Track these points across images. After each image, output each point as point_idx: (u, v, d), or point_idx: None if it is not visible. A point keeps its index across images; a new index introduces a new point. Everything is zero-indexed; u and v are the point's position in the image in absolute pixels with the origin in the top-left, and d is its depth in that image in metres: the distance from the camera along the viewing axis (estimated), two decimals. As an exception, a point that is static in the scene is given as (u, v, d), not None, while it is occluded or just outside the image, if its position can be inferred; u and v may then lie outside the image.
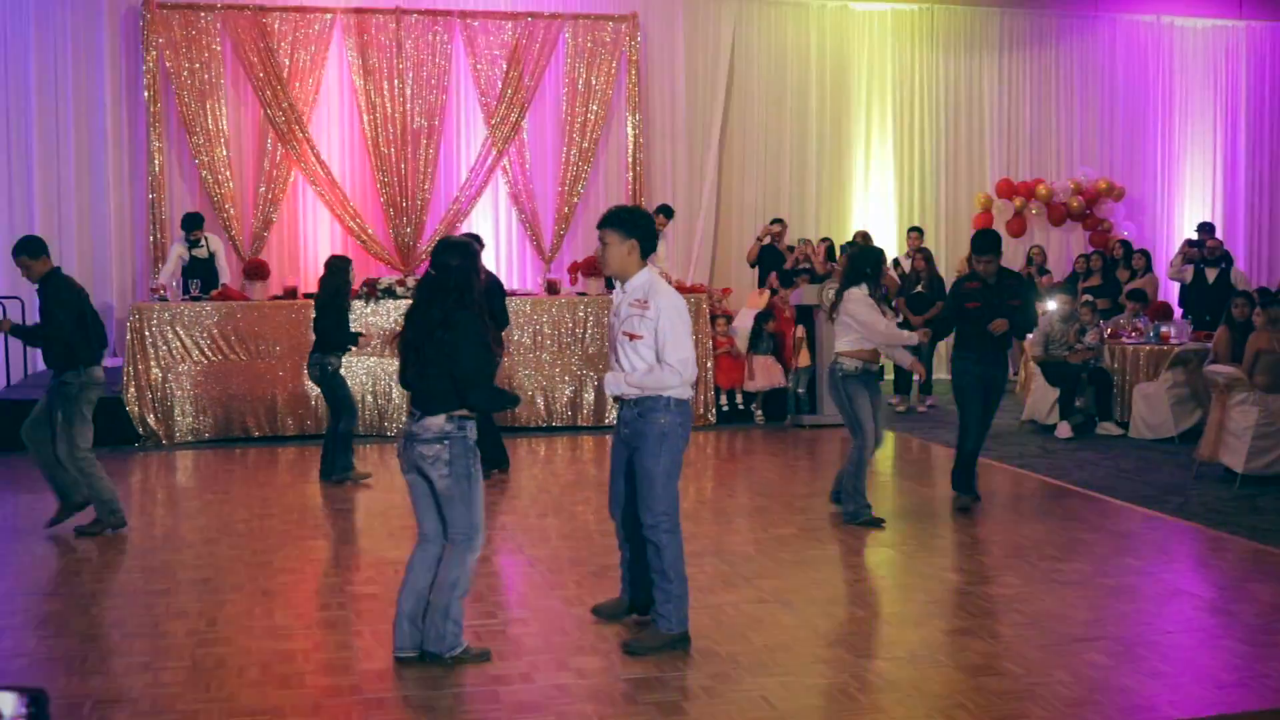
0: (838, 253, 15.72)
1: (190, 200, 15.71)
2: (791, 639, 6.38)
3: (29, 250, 8.61)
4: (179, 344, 12.73)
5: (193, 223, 14.08)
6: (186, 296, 13.08)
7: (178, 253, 14.09)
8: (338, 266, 10.75)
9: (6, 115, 15.39)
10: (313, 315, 10.85)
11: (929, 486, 10.31)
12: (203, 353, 12.78)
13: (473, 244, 6.15)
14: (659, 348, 6.04)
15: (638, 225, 6.17)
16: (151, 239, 15.39)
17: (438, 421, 5.83)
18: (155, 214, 15.40)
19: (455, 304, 5.82)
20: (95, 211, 15.61)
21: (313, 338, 10.76)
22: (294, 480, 10.94)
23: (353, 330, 10.99)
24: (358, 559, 8.18)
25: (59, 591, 7.39)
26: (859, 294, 8.95)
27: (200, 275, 13.60)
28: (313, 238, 16.19)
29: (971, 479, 9.54)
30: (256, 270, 13.42)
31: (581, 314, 13.51)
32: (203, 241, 14.18)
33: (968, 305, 9.21)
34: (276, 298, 13.40)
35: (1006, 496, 10.13)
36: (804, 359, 13.93)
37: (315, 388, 12.13)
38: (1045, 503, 9.82)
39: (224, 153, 15.62)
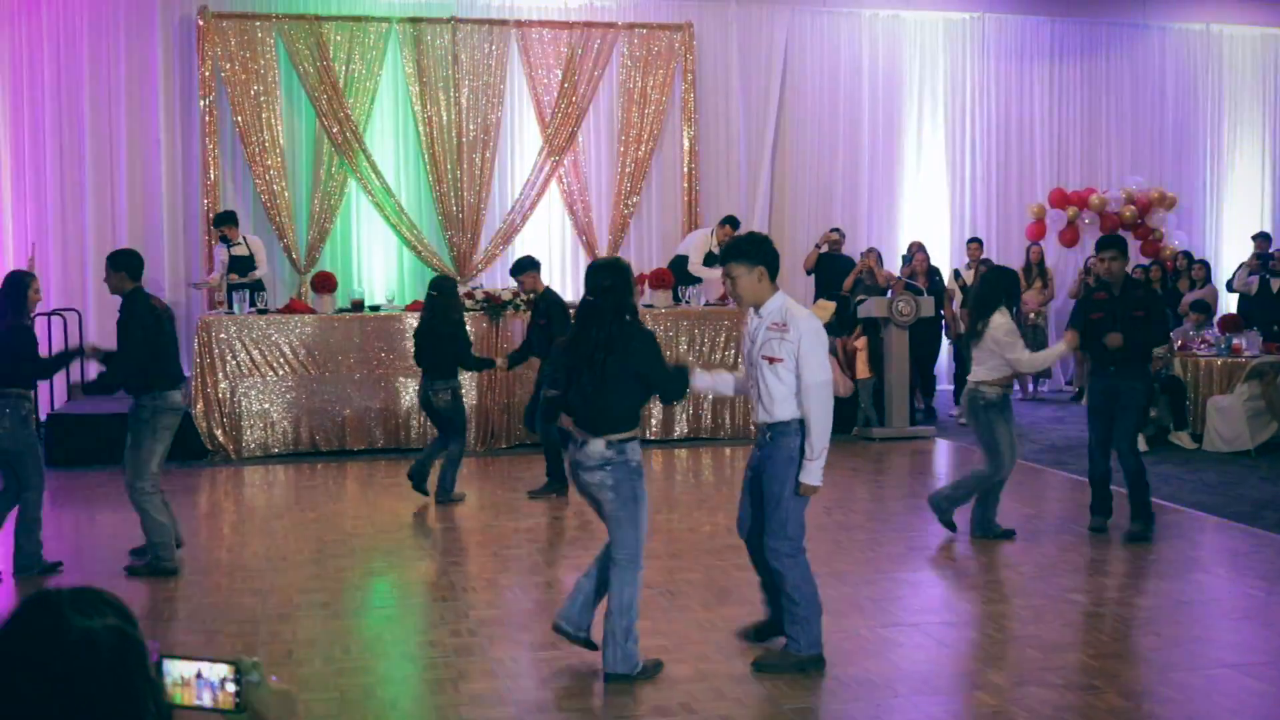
0: (900, 263, 15.67)
1: (245, 211, 15.62)
2: (938, 664, 6.30)
3: (110, 262, 8.42)
4: (247, 358, 12.64)
5: (224, 220, 13.98)
6: (252, 309, 12.99)
7: (221, 258, 13.93)
8: (451, 288, 10.63)
9: (60, 125, 15.30)
10: (413, 338, 10.68)
11: (1028, 505, 10.19)
12: (271, 367, 12.68)
13: (622, 260, 6.14)
14: (799, 370, 5.97)
15: (760, 251, 6.10)
16: (206, 249, 15.29)
17: (598, 448, 5.82)
18: (210, 224, 15.29)
19: (613, 324, 5.82)
20: (149, 221, 15.52)
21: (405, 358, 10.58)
22: (381, 497, 10.84)
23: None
24: (470, 580, 8.06)
25: (178, 616, 7.27)
26: (1005, 322, 8.81)
27: (238, 271, 13.66)
28: (367, 248, 16.10)
29: (1102, 501, 9.30)
30: (324, 283, 13.30)
31: (650, 324, 13.39)
32: (241, 240, 14.07)
33: (1092, 316, 9.05)
34: (343, 310, 13.30)
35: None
36: (864, 371, 13.83)
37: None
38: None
39: (279, 162, 15.52)
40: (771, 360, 5.99)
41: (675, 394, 6.22)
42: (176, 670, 2.39)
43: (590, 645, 6.15)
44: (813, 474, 6.01)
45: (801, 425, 6.02)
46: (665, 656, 6.29)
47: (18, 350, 8.22)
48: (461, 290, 12.70)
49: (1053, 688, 5.89)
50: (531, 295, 10.97)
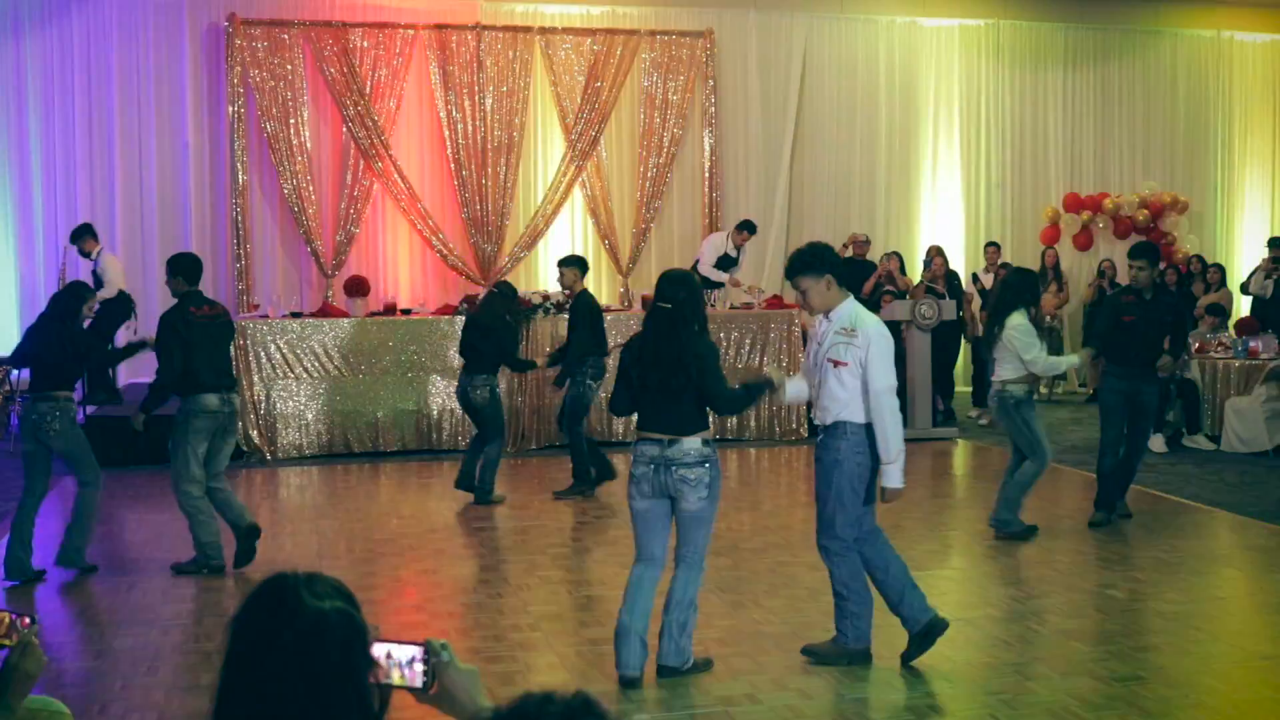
0: (920, 268, 15.87)
1: (272, 214, 15.85)
2: (988, 655, 6.51)
3: (167, 266, 8.59)
4: (282, 360, 12.84)
5: (80, 234, 13.75)
6: (285, 313, 13.20)
7: (81, 272, 13.53)
8: (513, 291, 10.97)
9: (90, 130, 15.52)
10: (462, 331, 10.92)
11: (1053, 504, 10.40)
12: (305, 369, 12.89)
13: (693, 275, 6.40)
14: (865, 375, 6.15)
15: (824, 260, 6.28)
16: (235, 253, 15.50)
17: (694, 444, 5.99)
18: (238, 229, 15.51)
19: (691, 334, 6.04)
20: (178, 226, 15.73)
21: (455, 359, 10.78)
22: (417, 497, 11.05)
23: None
24: (521, 577, 8.25)
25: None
26: (1022, 323, 9.01)
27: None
28: (393, 252, 16.31)
29: (1109, 496, 9.55)
30: (356, 287, 13.52)
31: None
32: (97, 256, 13.74)
33: (1124, 319, 9.26)
34: (376, 314, 13.51)
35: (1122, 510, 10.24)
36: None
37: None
38: (1167, 517, 9.90)
39: (306, 167, 15.73)
40: (836, 364, 6.17)
41: (730, 410, 6.46)
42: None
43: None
44: (893, 477, 6.22)
45: (855, 429, 6.21)
46: (724, 650, 6.51)
47: (79, 348, 8.47)
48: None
49: (1101, 679, 6.10)
50: (569, 292, 11.14)
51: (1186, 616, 7.25)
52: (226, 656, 2.30)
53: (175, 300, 8.53)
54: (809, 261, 6.26)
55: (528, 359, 11.65)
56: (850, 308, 6.29)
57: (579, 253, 16.40)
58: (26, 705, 3.44)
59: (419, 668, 2.57)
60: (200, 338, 8.35)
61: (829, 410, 6.24)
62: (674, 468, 5.98)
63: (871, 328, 6.22)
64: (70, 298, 8.56)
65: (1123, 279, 17.34)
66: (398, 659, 2.56)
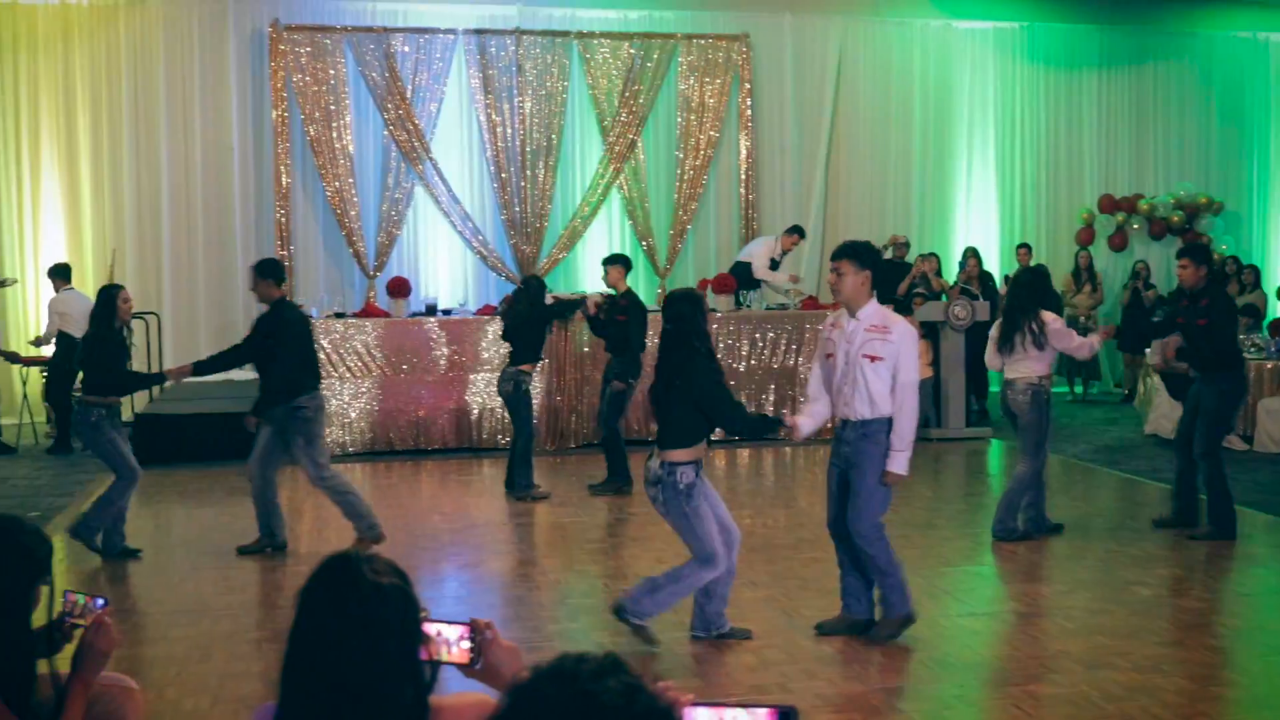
0: (955, 269, 16.01)
1: (314, 217, 16.13)
2: (1015, 648, 6.69)
3: (258, 270, 8.92)
4: (325, 359, 13.07)
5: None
6: (329, 314, 13.48)
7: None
8: (538, 284, 11.24)
9: (137, 134, 15.84)
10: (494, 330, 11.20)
11: (1084, 503, 10.54)
12: (348, 368, 13.14)
13: (697, 292, 6.86)
14: (895, 369, 6.46)
15: (871, 257, 6.58)
16: (279, 255, 15.76)
17: (653, 465, 6.49)
18: (282, 232, 15.79)
19: (686, 355, 6.49)
20: (223, 229, 16.03)
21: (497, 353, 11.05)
22: (461, 494, 11.28)
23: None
24: (560, 573, 8.48)
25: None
26: (1056, 317, 9.21)
27: None
28: (433, 253, 16.55)
29: (1176, 499, 9.58)
30: (398, 288, 13.78)
31: (714, 328, 13.79)
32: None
33: (1178, 320, 9.38)
34: (417, 314, 13.77)
35: (1159, 510, 10.35)
36: (924, 372, 14.18)
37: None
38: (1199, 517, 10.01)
39: (348, 170, 15.99)
40: (873, 358, 6.48)
41: (738, 431, 7.05)
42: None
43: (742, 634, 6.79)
44: (900, 463, 6.57)
45: (890, 423, 6.53)
46: (757, 642, 6.72)
47: (99, 359, 8.75)
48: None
49: (1123, 671, 6.25)
50: (613, 290, 11.34)
51: (1211, 613, 7.42)
52: (293, 627, 2.52)
53: (270, 304, 8.85)
54: (860, 251, 6.63)
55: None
56: (875, 307, 6.61)
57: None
58: (100, 681, 3.68)
59: (465, 645, 2.77)
60: (311, 335, 8.94)
61: (872, 406, 6.55)
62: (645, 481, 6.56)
63: (902, 324, 6.61)
64: (101, 303, 8.88)
65: (1157, 280, 17.50)
66: (446, 637, 2.77)
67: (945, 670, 6.33)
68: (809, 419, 6.81)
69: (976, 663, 6.48)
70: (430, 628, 2.73)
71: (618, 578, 8.30)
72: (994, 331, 9.32)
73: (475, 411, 13.36)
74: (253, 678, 6.29)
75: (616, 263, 11.22)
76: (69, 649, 3.68)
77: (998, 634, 6.96)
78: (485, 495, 11.06)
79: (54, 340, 13.58)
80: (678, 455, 6.42)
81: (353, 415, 13.17)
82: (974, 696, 5.97)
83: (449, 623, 2.79)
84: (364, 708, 2.43)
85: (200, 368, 9.12)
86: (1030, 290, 9.30)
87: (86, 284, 15.54)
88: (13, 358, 14.28)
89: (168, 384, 9.05)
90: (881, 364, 6.47)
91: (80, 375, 8.88)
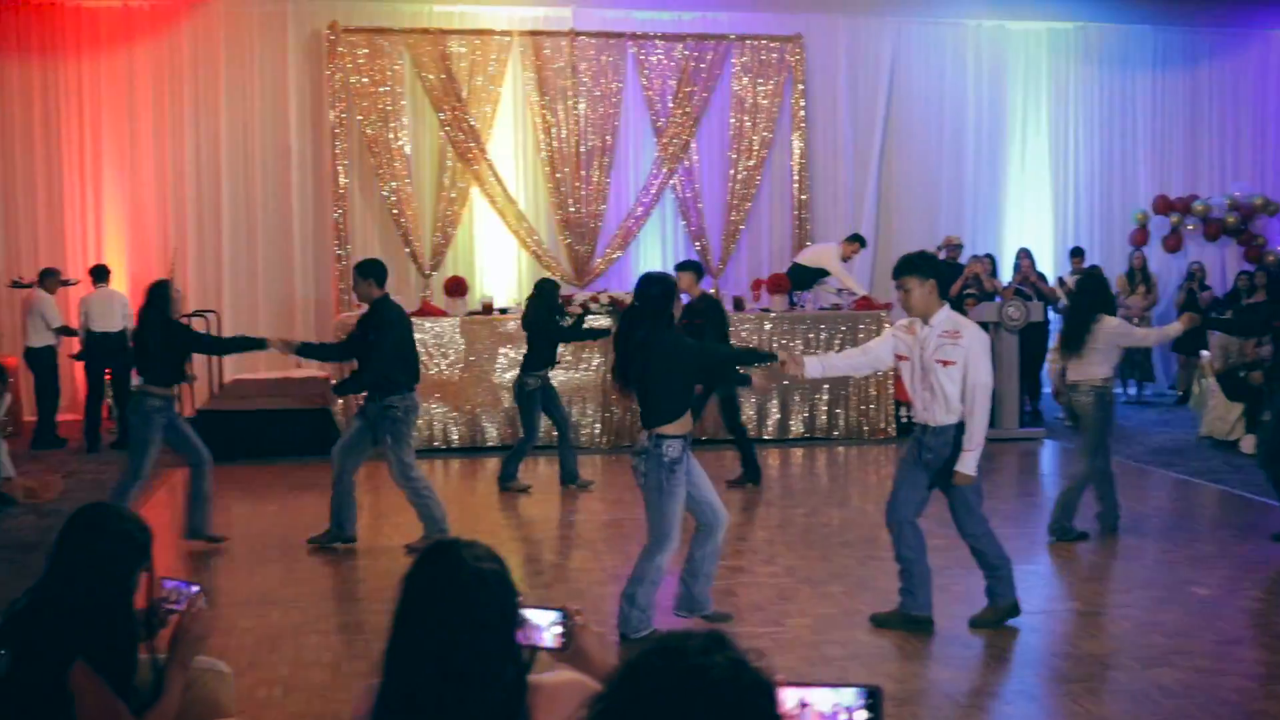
0: (1009, 271, 16.01)
1: (371, 216, 16.31)
2: (1074, 645, 6.75)
3: (359, 270, 9.11)
4: (384, 357, 13.25)
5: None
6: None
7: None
8: (551, 289, 11.37)
9: (198, 134, 16.09)
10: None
11: (1139, 504, 10.54)
12: (406, 366, 13.29)
13: (670, 277, 7.03)
14: (966, 370, 6.60)
15: (932, 267, 6.72)
16: (336, 254, 15.97)
17: (641, 439, 6.69)
18: (340, 231, 15.98)
19: (650, 330, 6.67)
20: (282, 228, 16.26)
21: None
22: (533, 490, 11.39)
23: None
24: (621, 568, 8.57)
25: (360, 595, 7.86)
26: (1115, 319, 9.22)
27: None
28: (488, 253, 16.71)
29: None
30: (455, 287, 13.95)
31: (769, 328, 13.91)
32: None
33: (1275, 323, 9.45)
34: (474, 313, 13.92)
35: (1215, 512, 10.39)
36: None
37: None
38: (1255, 518, 9.99)
39: (405, 171, 16.16)
40: (945, 363, 6.62)
41: (734, 362, 7.71)
42: None
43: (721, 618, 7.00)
44: (969, 464, 6.69)
45: None
46: (816, 636, 6.81)
47: (156, 349, 8.95)
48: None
49: (1182, 669, 6.30)
50: (687, 295, 11.46)
51: (1269, 613, 7.45)
52: (397, 610, 2.64)
53: (370, 304, 9.05)
54: (919, 265, 6.77)
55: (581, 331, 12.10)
56: (947, 313, 6.77)
57: (672, 255, 16.77)
58: (195, 665, 3.82)
59: (557, 630, 2.89)
60: (412, 335, 9.08)
61: (950, 410, 6.70)
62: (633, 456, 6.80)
63: (972, 328, 6.78)
64: (155, 296, 9.09)
65: (1212, 281, 17.45)
66: (539, 622, 2.88)
67: (1005, 666, 6.41)
68: (817, 361, 7.06)
69: (1035, 659, 6.55)
70: (524, 613, 2.84)
71: (744, 571, 8.35)
72: (1059, 335, 9.38)
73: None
74: (323, 667, 6.43)
75: (688, 269, 11.33)
76: (164, 633, 3.83)
77: (1056, 631, 7.02)
78: (541, 492, 11.18)
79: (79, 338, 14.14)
80: (666, 429, 6.58)
81: (410, 413, 13.33)
82: (1034, 692, 6.04)
83: (541, 609, 2.90)
84: (466, 687, 2.55)
85: (304, 349, 9.45)
86: (1093, 296, 9.36)
87: (147, 283, 15.80)
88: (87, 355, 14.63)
89: (272, 348, 9.24)
90: (954, 368, 6.62)
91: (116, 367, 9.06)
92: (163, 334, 8.94)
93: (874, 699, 2.21)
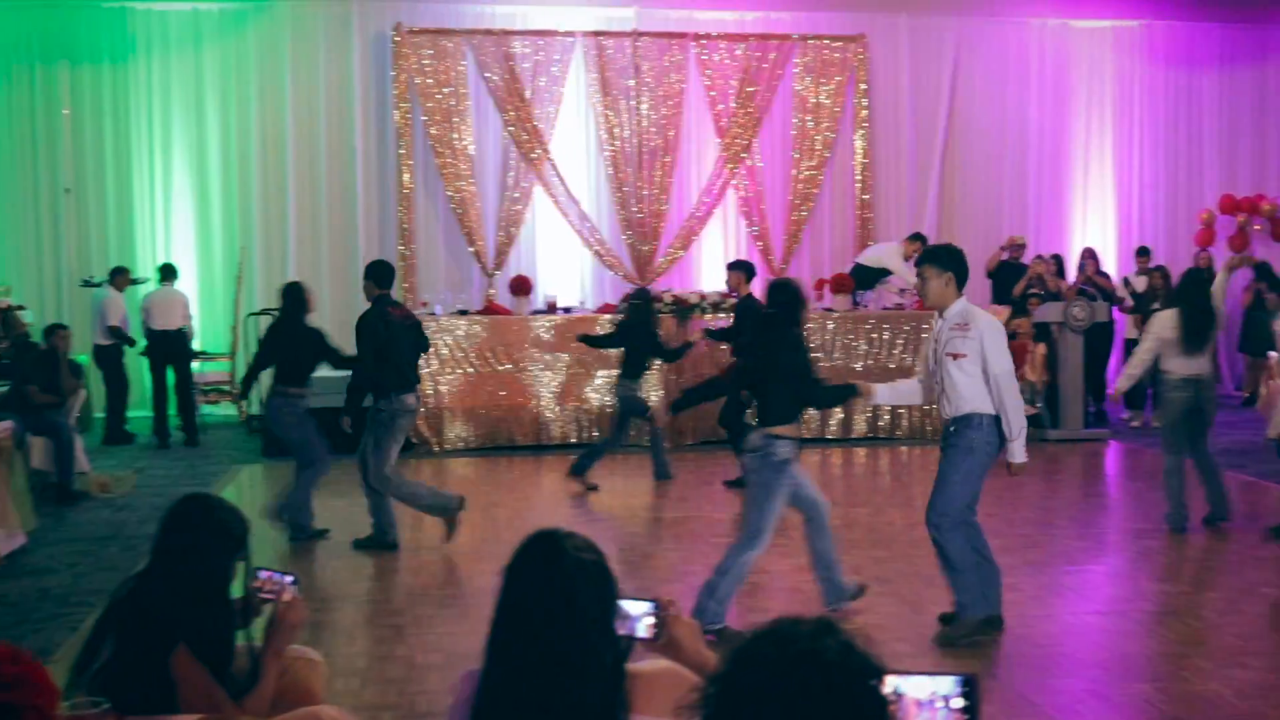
0: (1072, 270, 15.94)
1: (435, 216, 16.45)
2: (1145, 646, 6.75)
3: (365, 271, 9.26)
4: (449, 356, 13.39)
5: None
6: (452, 311, 13.80)
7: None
8: (645, 300, 11.65)
9: (263, 137, 16.28)
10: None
11: (1205, 503, 10.48)
12: (471, 364, 13.43)
13: (798, 282, 7.21)
14: (984, 362, 6.59)
15: (952, 259, 6.73)
16: (400, 253, 16.10)
17: (754, 439, 6.84)
18: (404, 231, 16.12)
19: (784, 334, 6.92)
20: (346, 228, 16.41)
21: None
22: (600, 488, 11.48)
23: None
24: (686, 564, 8.64)
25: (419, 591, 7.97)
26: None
27: None
28: (551, 252, 16.80)
29: None
30: (520, 286, 14.06)
31: (832, 327, 13.93)
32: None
33: None
34: (538, 312, 14.02)
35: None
36: (1040, 374, 14.18)
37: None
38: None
39: (469, 170, 16.28)
40: (955, 356, 6.62)
41: (822, 404, 8.08)
42: None
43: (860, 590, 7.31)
44: (1017, 453, 6.66)
45: (988, 421, 6.65)
46: (883, 635, 6.82)
47: (303, 346, 9.38)
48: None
49: (1255, 670, 6.29)
50: (735, 294, 11.57)
51: (1342, 613, 7.40)
52: (500, 601, 2.71)
53: (370, 304, 9.19)
54: (940, 255, 6.82)
55: (679, 344, 12.02)
56: (962, 305, 6.74)
57: (734, 254, 16.81)
58: (289, 652, 3.91)
59: (649, 620, 2.95)
60: (399, 338, 8.96)
61: (956, 403, 6.68)
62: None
63: (983, 319, 6.72)
64: (289, 298, 9.57)
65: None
66: (632, 612, 2.94)
67: (1076, 665, 6.41)
68: (889, 389, 7.22)
69: (1106, 659, 6.55)
70: (620, 604, 2.90)
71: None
72: (1172, 333, 9.31)
73: (595, 407, 13.58)
74: (398, 661, 6.52)
75: (738, 269, 11.42)
76: (259, 622, 3.93)
77: (1126, 631, 7.01)
78: (607, 489, 11.26)
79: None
80: (779, 430, 6.77)
81: (475, 411, 13.45)
82: (1105, 692, 6.03)
83: (635, 599, 2.96)
84: (568, 675, 2.61)
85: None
86: (1204, 293, 9.39)
87: (215, 282, 16.08)
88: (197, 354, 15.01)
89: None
90: (965, 360, 6.58)
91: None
92: (293, 337, 9.34)
93: (970, 687, 2.25)
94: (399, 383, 8.90)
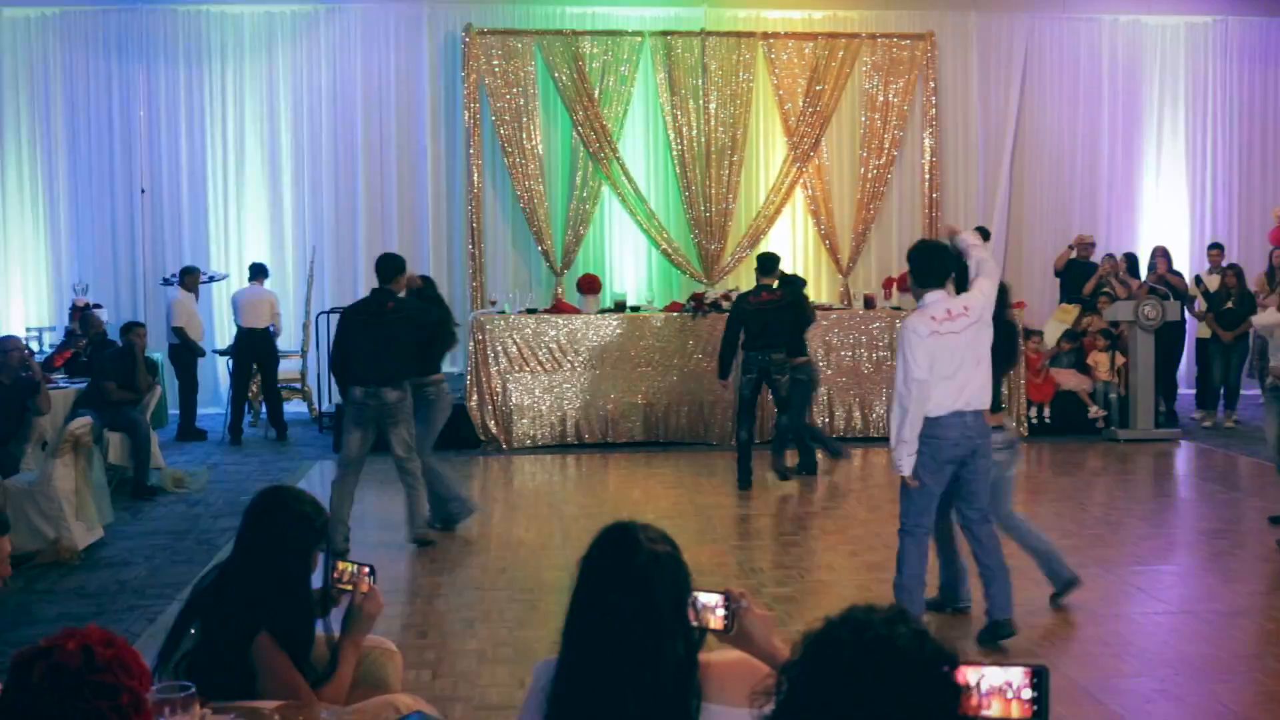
0: (1144, 269, 15.81)
1: (504, 215, 16.57)
2: (1216, 647, 6.70)
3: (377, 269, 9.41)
4: (517, 354, 13.50)
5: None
6: (520, 310, 13.91)
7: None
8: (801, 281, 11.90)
9: (335, 134, 16.46)
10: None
11: (1274, 504, 10.38)
12: (539, 363, 13.53)
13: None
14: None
15: (934, 257, 6.67)
16: (470, 252, 16.24)
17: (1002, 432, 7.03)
18: (473, 229, 16.26)
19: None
20: (416, 228, 16.57)
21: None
22: (651, 485, 11.53)
23: None
24: (755, 561, 8.68)
25: (472, 583, 8.06)
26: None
27: None
28: (620, 251, 16.88)
29: None
30: (589, 285, 14.15)
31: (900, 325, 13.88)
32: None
33: None
34: (606, 310, 14.09)
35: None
36: (1107, 374, 14.10)
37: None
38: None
39: (538, 170, 16.39)
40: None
41: None
42: None
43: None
44: (893, 463, 6.64)
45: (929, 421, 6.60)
46: (953, 631, 6.83)
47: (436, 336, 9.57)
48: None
49: (1330, 672, 6.25)
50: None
51: None
52: (575, 591, 2.77)
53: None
54: (913, 251, 6.77)
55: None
56: (917, 306, 6.63)
57: (800, 253, 16.87)
58: (366, 642, 3.99)
59: (721, 612, 2.99)
60: (359, 334, 8.97)
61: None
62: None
63: (905, 322, 6.55)
64: (429, 292, 9.82)
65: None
66: (705, 604, 2.99)
67: (1146, 665, 6.39)
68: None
69: (1176, 658, 6.51)
70: (693, 595, 2.95)
71: (811, 570, 8.47)
72: None
73: (663, 405, 13.63)
74: (469, 655, 6.61)
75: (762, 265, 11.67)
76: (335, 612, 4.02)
77: (1197, 631, 6.96)
78: (676, 487, 11.32)
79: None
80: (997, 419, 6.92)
81: (543, 409, 13.55)
82: (1176, 691, 6.02)
83: (706, 591, 3.01)
84: (642, 664, 2.67)
85: None
86: None
87: (287, 281, 16.27)
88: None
89: None
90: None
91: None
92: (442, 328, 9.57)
93: (1040, 678, 2.28)
94: (357, 380, 8.98)
